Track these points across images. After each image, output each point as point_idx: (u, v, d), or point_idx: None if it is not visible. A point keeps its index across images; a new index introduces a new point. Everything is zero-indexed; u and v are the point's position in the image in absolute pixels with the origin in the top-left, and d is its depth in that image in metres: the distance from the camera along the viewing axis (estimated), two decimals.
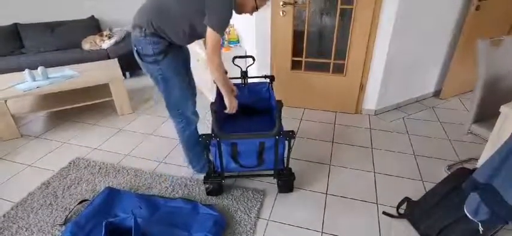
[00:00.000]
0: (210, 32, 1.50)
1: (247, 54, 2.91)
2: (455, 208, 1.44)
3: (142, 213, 1.69)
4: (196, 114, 1.89)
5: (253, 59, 2.15)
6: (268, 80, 2.16)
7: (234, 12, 1.57)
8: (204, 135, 1.63)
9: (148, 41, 1.57)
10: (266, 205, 1.83)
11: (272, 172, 1.81)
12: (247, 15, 1.70)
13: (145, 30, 1.55)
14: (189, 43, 1.76)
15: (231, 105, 1.77)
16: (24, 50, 3.69)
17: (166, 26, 1.56)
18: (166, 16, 1.55)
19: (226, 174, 1.81)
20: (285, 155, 1.78)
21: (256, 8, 1.64)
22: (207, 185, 1.85)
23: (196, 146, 1.94)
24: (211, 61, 1.56)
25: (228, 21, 1.53)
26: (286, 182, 1.89)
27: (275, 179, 1.90)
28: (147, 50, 1.59)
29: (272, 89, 2.10)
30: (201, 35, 1.65)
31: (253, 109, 2.14)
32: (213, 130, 1.67)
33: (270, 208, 1.81)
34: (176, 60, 1.69)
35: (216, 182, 1.83)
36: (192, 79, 1.96)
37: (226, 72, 1.68)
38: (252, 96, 2.15)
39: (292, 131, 1.62)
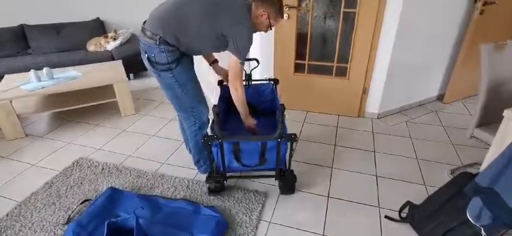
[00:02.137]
0: (234, 59, 1.58)
1: (251, 56, 2.92)
2: (458, 212, 1.43)
3: (144, 214, 1.70)
4: (208, 118, 1.90)
5: (258, 62, 2.16)
6: (271, 83, 2.17)
7: None
8: (206, 136, 1.64)
9: (162, 49, 1.54)
10: (268, 207, 1.83)
11: (274, 173, 1.81)
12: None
13: (159, 38, 1.52)
14: (200, 54, 1.86)
15: (248, 125, 1.84)
16: (30, 50, 3.73)
17: (185, 38, 1.57)
18: (185, 29, 1.55)
19: (228, 174, 1.81)
20: (287, 157, 1.78)
21: (270, 27, 1.70)
22: (209, 185, 1.86)
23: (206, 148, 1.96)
24: (234, 87, 1.66)
25: (250, 48, 1.62)
26: (288, 184, 1.89)
27: (277, 181, 1.90)
28: (160, 59, 1.57)
29: (276, 91, 2.11)
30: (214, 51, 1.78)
31: (257, 110, 2.15)
32: (215, 131, 1.68)
33: (272, 210, 1.81)
34: (188, 66, 1.70)
35: (218, 181, 1.84)
36: None
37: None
38: (256, 96, 2.16)
39: (294, 134, 1.63)
